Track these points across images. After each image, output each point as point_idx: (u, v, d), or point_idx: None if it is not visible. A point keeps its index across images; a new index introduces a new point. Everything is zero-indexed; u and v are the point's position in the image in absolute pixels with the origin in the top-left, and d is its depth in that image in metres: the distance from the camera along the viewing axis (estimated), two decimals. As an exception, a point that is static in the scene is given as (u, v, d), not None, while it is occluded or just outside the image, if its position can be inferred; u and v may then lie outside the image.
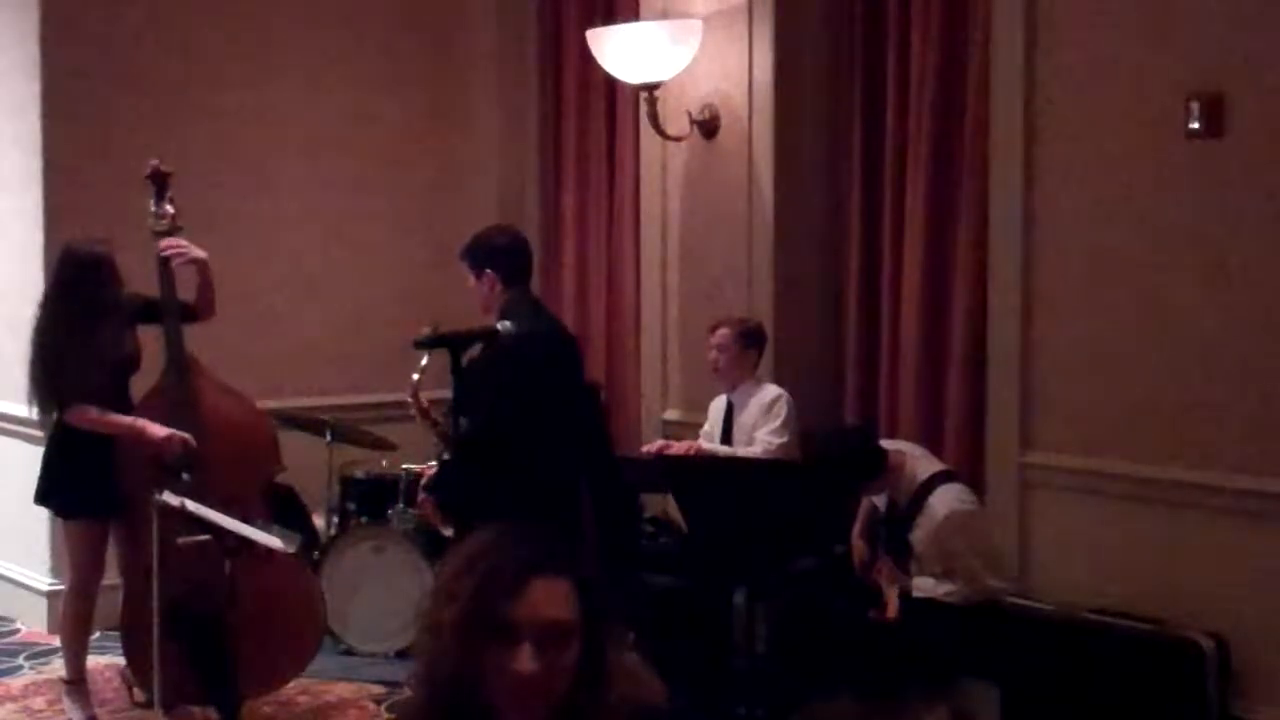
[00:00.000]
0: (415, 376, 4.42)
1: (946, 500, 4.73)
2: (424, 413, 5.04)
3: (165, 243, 4.98)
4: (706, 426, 5.74)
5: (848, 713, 1.59)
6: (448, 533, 4.62)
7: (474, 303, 4.73)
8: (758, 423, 5.50)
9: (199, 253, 5.01)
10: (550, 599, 1.86)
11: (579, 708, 1.89)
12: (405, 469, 5.91)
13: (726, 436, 5.62)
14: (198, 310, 5.08)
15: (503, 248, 4.71)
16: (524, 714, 1.88)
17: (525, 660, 1.83)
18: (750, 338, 5.56)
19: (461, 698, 1.88)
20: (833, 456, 4.97)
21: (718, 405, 5.70)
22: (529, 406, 4.48)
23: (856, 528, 5.12)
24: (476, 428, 4.44)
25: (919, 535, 4.75)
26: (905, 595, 4.75)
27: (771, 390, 5.53)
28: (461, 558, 1.92)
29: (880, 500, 4.98)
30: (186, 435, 4.76)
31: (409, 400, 4.59)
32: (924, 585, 4.73)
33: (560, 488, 4.52)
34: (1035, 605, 4.82)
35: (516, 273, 4.68)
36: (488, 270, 4.65)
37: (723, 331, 5.55)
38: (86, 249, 4.92)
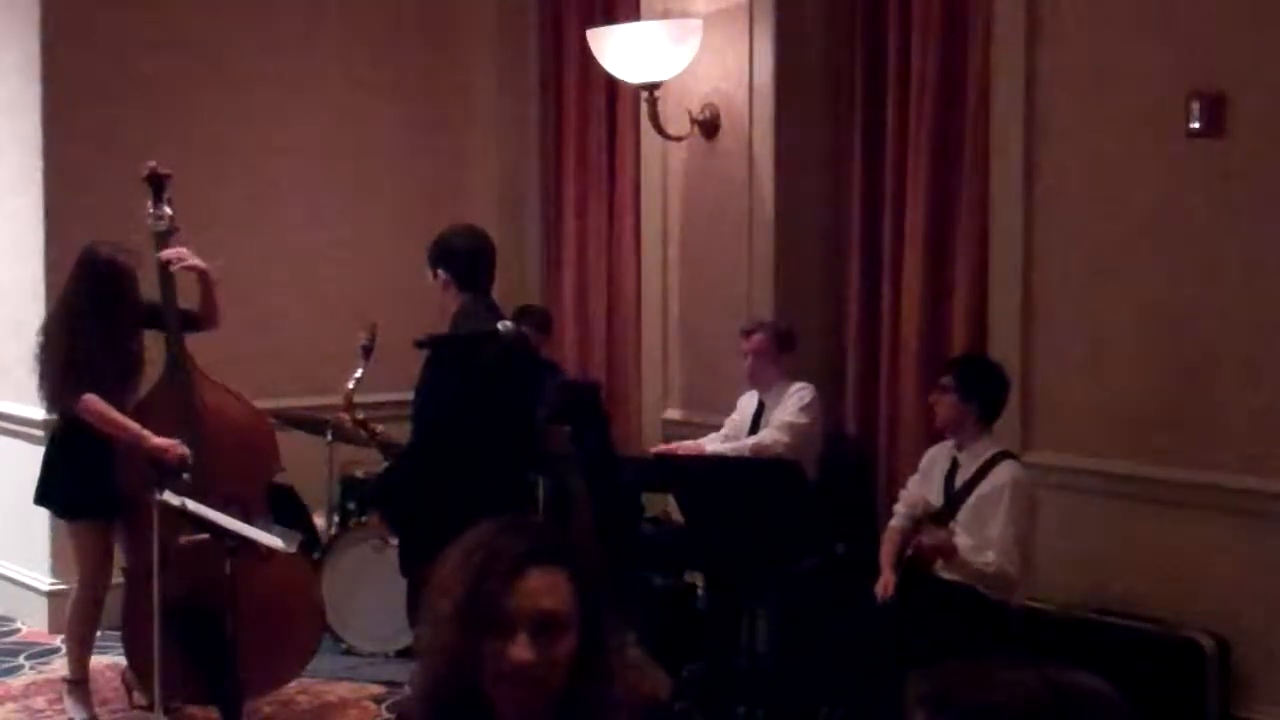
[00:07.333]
0: (350, 385, 4.23)
1: (1015, 470, 4.60)
2: (361, 424, 4.98)
3: (167, 252, 4.97)
4: (735, 416, 5.70)
5: None
6: (394, 543, 4.48)
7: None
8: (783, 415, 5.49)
9: (198, 261, 4.99)
10: (546, 589, 1.87)
11: (580, 701, 1.89)
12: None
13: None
14: (201, 319, 5.08)
15: (458, 250, 4.53)
16: (521, 705, 1.88)
17: (520, 650, 1.83)
18: (785, 340, 5.55)
19: (460, 689, 1.88)
20: (986, 368, 4.84)
21: (747, 402, 5.67)
22: (465, 413, 4.33)
23: (887, 555, 4.78)
24: (416, 436, 4.35)
25: (979, 492, 4.58)
26: (929, 578, 4.62)
27: (798, 384, 5.51)
28: (459, 551, 1.92)
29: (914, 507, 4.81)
30: (186, 452, 4.75)
31: (343, 416, 4.44)
32: (964, 544, 4.50)
33: (500, 495, 4.33)
34: (1035, 605, 4.82)
35: (471, 277, 4.49)
36: (440, 270, 4.50)
37: (758, 337, 5.51)
38: (108, 257, 4.90)
